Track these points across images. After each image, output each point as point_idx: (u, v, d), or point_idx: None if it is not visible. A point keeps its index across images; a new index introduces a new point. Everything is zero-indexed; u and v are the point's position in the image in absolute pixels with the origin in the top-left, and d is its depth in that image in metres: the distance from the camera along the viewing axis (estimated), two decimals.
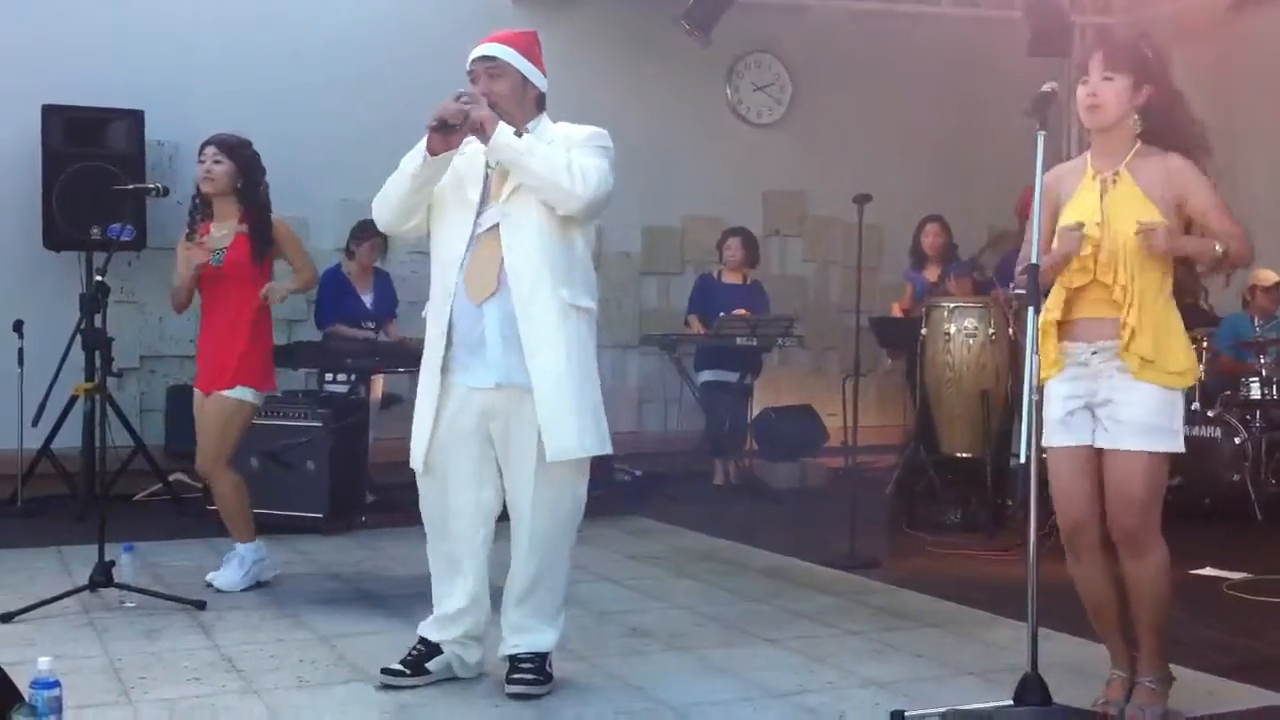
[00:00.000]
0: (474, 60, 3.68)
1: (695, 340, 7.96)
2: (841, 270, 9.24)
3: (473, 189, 3.67)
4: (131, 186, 5.36)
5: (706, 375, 8.04)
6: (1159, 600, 3.41)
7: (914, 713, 3.44)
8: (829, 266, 9.41)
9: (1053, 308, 3.43)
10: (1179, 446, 3.41)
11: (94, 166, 6.83)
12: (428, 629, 3.79)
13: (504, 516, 3.77)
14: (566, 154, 3.58)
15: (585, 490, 3.77)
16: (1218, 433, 6.87)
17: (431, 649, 3.76)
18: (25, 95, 7.01)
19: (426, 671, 3.73)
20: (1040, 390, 3.34)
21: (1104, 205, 3.39)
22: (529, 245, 3.60)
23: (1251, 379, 7.20)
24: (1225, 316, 7.81)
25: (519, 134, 3.55)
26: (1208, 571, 5.35)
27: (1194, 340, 7.13)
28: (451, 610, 3.75)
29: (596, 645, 4.22)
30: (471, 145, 3.70)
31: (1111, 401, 3.36)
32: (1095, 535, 3.44)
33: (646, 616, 4.67)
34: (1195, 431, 6.92)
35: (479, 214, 3.65)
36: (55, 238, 6.97)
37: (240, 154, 4.93)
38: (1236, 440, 6.81)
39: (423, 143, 3.57)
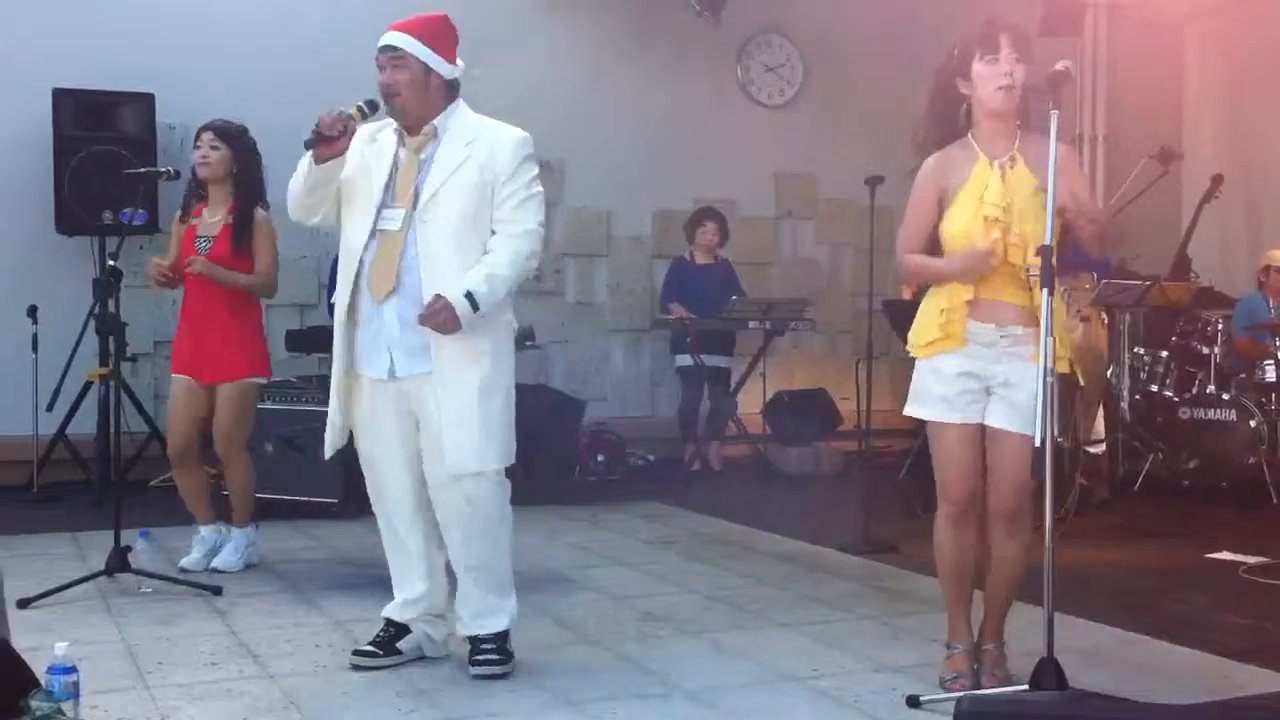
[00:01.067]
0: (379, 50, 3.66)
1: (698, 324, 7.94)
2: (854, 253, 9.19)
3: (378, 179, 3.67)
4: (143, 170, 5.37)
5: (684, 360, 8.03)
6: (1017, 580, 3.51)
7: (929, 697, 3.44)
8: (841, 249, 9.37)
9: (964, 290, 3.45)
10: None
11: (105, 150, 6.84)
12: (391, 611, 3.85)
13: None
14: (511, 242, 3.61)
15: (500, 480, 3.72)
16: (1233, 415, 6.84)
17: (400, 629, 3.83)
18: (36, 79, 7.00)
19: (398, 651, 3.80)
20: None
21: (1007, 188, 3.41)
22: (445, 260, 3.59)
23: (1267, 361, 7.16)
24: (1241, 298, 7.78)
25: (468, 296, 3.49)
26: (1224, 555, 5.34)
27: (1208, 322, 7.21)
28: (410, 592, 3.82)
29: (610, 629, 4.22)
30: (384, 133, 3.73)
31: (1009, 384, 3.40)
32: (979, 508, 3.54)
33: (660, 601, 4.67)
34: (1211, 414, 6.90)
35: (381, 208, 3.65)
36: (68, 222, 6.98)
37: (237, 141, 4.94)
38: (1252, 423, 6.77)
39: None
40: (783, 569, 5.25)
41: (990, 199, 3.42)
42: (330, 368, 3.83)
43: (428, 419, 3.64)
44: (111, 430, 5.26)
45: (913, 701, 3.43)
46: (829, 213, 9.28)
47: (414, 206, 3.62)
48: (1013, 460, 3.40)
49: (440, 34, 3.69)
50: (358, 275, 3.66)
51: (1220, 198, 8.15)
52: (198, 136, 4.96)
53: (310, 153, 3.59)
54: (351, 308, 3.69)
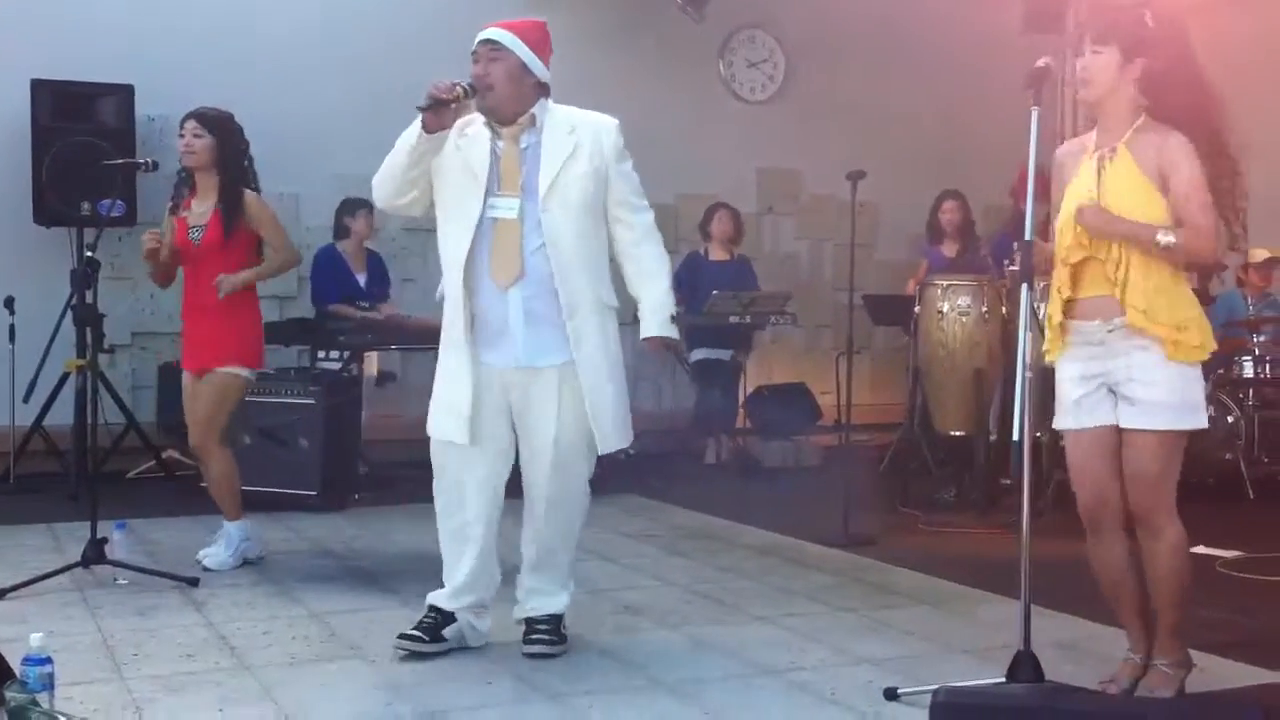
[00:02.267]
0: (478, 42, 3.71)
1: (684, 319, 7.92)
2: (835, 248, 9.20)
3: (479, 168, 3.70)
4: (121, 161, 5.33)
5: (699, 354, 8.02)
6: (1173, 579, 3.35)
7: (907, 690, 3.44)
8: (823, 244, 9.37)
9: (1062, 286, 3.39)
10: (1201, 423, 3.34)
11: (84, 142, 6.79)
12: (439, 598, 3.85)
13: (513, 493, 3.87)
14: (656, 246, 3.86)
15: (592, 465, 3.91)
16: (1211, 411, 6.84)
17: (445, 617, 3.82)
18: (14, 70, 6.96)
19: (443, 639, 3.80)
20: (1032, 369, 3.33)
21: (1100, 181, 3.34)
22: (570, 248, 3.69)
23: (1245, 357, 7.20)
24: (1219, 295, 7.82)
25: (672, 316, 3.80)
26: (1201, 550, 5.33)
27: None
28: (462, 580, 3.82)
29: (589, 622, 4.21)
30: (473, 127, 3.74)
31: (1132, 380, 3.29)
32: (1115, 514, 3.38)
33: (639, 594, 4.67)
34: None
35: (489, 198, 3.68)
36: (45, 213, 6.93)
37: (221, 127, 4.90)
38: (1230, 419, 6.81)
39: (418, 121, 3.59)
40: (762, 562, 5.26)
41: (1079, 192, 3.36)
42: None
43: (540, 402, 3.71)
44: (89, 421, 5.22)
45: (890, 694, 3.43)
46: (811, 208, 9.30)
47: (529, 195, 3.67)
48: (1132, 460, 3.30)
49: (541, 39, 3.75)
50: (468, 263, 3.67)
51: None
52: (181, 125, 4.93)
53: (420, 121, 3.57)
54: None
